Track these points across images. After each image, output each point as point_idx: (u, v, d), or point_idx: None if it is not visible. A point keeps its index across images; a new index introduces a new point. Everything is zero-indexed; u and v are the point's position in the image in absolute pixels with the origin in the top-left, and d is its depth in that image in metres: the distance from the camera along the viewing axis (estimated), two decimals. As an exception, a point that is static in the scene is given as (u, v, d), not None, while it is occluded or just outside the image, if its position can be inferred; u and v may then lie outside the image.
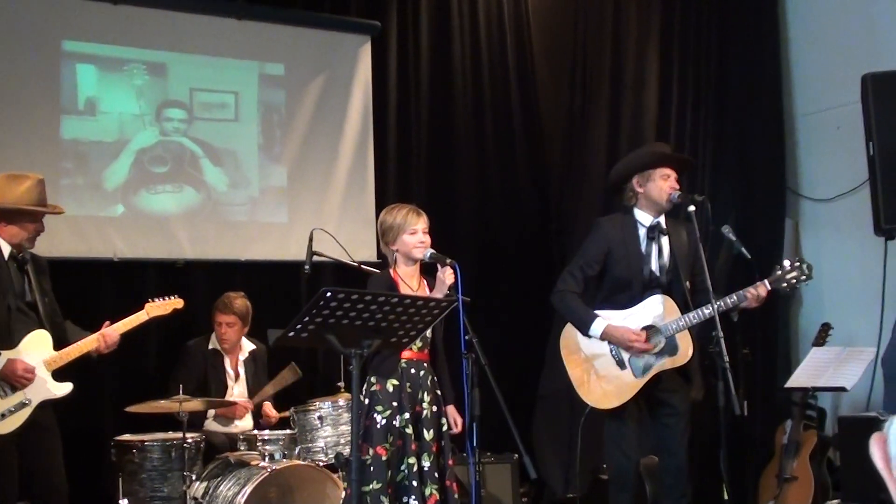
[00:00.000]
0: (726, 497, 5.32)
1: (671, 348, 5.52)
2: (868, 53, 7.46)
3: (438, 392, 5.22)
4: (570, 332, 5.69)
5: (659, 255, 5.67)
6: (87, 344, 5.55)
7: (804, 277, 5.51)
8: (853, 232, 7.47)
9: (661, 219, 5.71)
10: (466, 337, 4.73)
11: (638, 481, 6.00)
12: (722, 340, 5.14)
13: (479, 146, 8.42)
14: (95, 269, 7.00)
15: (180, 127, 7.38)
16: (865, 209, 6.55)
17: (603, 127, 8.27)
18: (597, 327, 5.52)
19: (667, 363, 5.53)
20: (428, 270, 5.37)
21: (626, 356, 5.53)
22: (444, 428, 5.19)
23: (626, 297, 5.61)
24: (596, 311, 5.58)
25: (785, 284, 5.51)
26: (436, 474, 5.03)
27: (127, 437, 6.08)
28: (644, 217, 5.69)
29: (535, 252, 8.46)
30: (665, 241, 5.68)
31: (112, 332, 5.62)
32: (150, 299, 6.01)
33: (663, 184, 5.61)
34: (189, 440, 5.89)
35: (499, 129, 8.52)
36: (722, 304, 5.36)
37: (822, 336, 6.92)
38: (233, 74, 7.60)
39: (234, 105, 7.59)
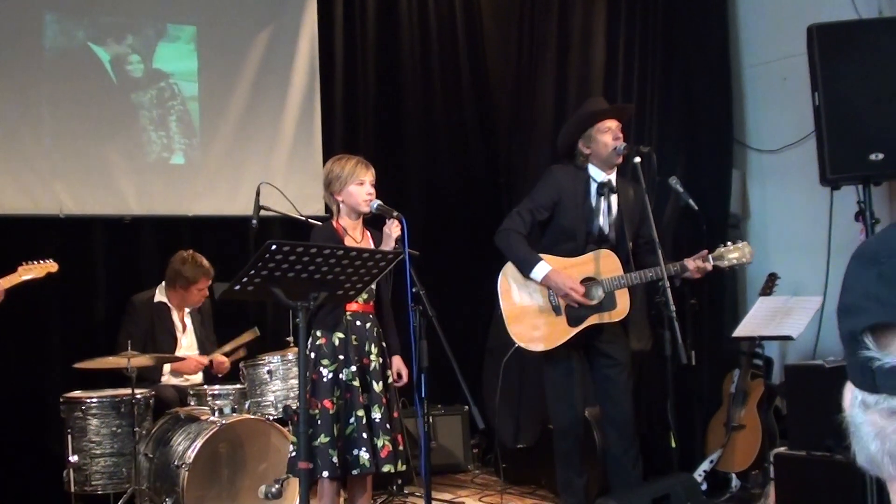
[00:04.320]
0: (674, 445, 5.36)
1: (609, 303, 5.55)
2: (813, 4, 7.47)
3: (384, 344, 5.23)
4: (509, 271, 5.67)
5: (608, 212, 5.68)
6: None
7: (745, 261, 5.56)
8: (800, 182, 7.49)
9: (613, 176, 5.71)
10: (413, 289, 4.75)
11: (586, 431, 6.05)
12: (668, 290, 5.17)
13: (426, 99, 8.39)
14: (41, 225, 6.93)
15: (126, 82, 7.30)
16: (811, 159, 6.56)
17: (550, 81, 8.24)
18: (539, 270, 5.51)
19: (603, 317, 5.56)
20: (371, 222, 5.36)
21: (562, 303, 5.55)
22: (390, 380, 5.22)
23: (569, 248, 5.62)
24: (540, 255, 5.59)
25: (726, 263, 5.53)
26: (387, 425, 5.04)
27: (76, 393, 6.07)
28: (597, 173, 5.69)
29: (483, 205, 8.47)
30: (614, 199, 5.70)
31: None
32: (23, 262, 5.97)
33: (604, 138, 5.62)
34: (138, 396, 5.88)
35: (446, 83, 8.49)
36: (668, 268, 5.38)
37: (769, 285, 6.97)
38: (178, 27, 7.51)
39: (180, 58, 7.50)
